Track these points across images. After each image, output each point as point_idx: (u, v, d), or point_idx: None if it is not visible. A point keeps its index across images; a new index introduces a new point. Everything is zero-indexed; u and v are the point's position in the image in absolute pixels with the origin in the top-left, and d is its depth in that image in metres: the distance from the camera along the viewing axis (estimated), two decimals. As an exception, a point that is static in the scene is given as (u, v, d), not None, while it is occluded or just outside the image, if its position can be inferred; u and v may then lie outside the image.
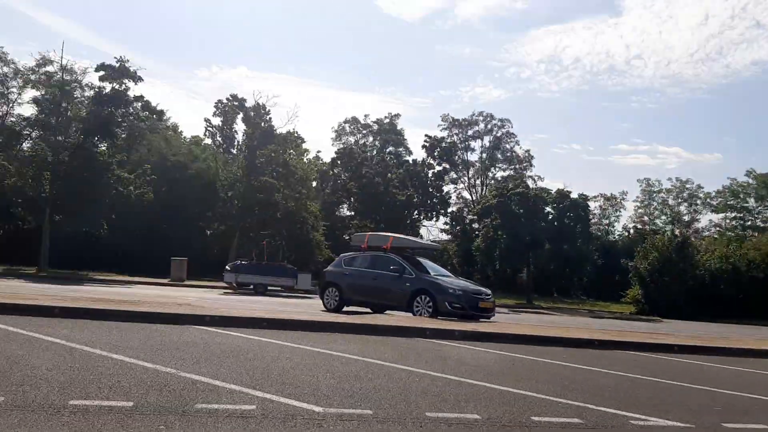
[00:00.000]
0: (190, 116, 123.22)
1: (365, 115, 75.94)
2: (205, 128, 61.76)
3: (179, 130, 60.73)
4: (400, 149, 73.55)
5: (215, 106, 61.81)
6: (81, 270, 36.26)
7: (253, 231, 45.12)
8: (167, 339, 9.78)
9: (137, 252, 41.54)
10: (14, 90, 50.09)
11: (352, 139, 75.22)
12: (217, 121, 60.28)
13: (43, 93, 43.50)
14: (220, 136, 62.88)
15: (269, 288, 31.58)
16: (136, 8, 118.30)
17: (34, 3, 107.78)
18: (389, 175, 59.40)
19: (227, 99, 56.53)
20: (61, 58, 39.35)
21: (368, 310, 18.93)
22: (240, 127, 53.00)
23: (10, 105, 50.33)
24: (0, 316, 10.41)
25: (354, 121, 76.00)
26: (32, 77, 49.02)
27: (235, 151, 58.19)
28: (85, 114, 39.00)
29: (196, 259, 38.27)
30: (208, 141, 60.22)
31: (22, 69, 49.79)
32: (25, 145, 44.91)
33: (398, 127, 74.42)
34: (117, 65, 36.28)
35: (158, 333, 10.35)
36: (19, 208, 37.90)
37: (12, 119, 49.60)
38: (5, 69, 49.53)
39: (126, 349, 8.46)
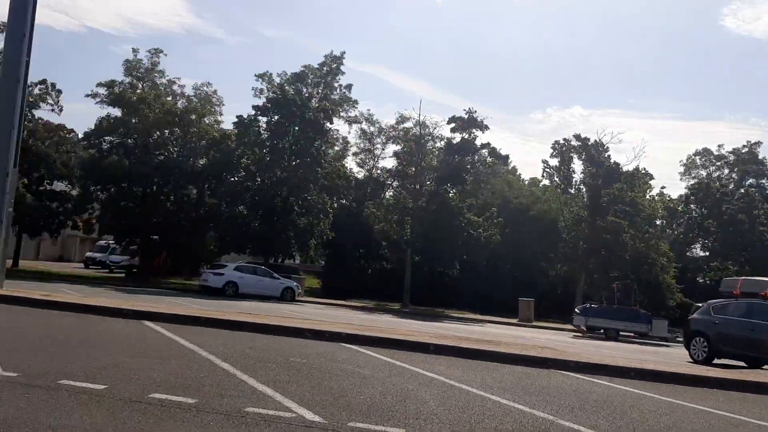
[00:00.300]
0: (524, 158, 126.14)
1: (719, 146, 68.94)
2: (543, 169, 63.10)
3: (517, 173, 62.43)
4: (763, 181, 64.95)
5: (552, 147, 62.97)
6: (436, 307, 39.08)
7: (598, 272, 43.72)
8: (536, 383, 9.82)
9: (483, 291, 43.31)
10: (379, 146, 57.25)
11: (703, 173, 68.77)
12: (554, 161, 60.99)
13: (401, 147, 48.80)
14: (557, 177, 63.36)
15: (621, 333, 30.04)
16: (478, 65, 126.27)
17: (391, 69, 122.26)
18: (755, 211, 52.54)
19: (564, 139, 56.62)
20: (419, 115, 43.80)
21: (743, 363, 16.74)
22: (578, 166, 52.54)
23: (376, 159, 57.50)
24: (386, 350, 11.60)
25: (705, 152, 69.45)
26: (392, 134, 55.52)
27: (573, 191, 57.64)
28: (436, 163, 42.47)
29: (539, 299, 38.45)
30: (546, 182, 60.88)
31: (384, 127, 56.80)
32: (388, 194, 50.61)
33: (759, 156, 65.93)
34: (466, 117, 38.89)
35: (526, 375, 10.46)
36: (385, 250, 42.68)
37: (377, 171, 56.58)
38: (372, 128, 56.89)
39: (500, 390, 8.70)
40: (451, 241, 37.17)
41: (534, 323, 34.91)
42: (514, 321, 35.07)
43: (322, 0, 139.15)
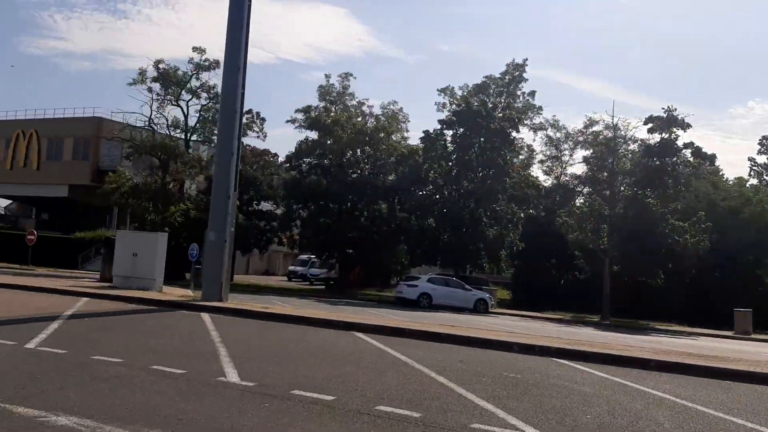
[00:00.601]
0: (726, 157, 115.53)
1: None
2: (750, 168, 57.99)
3: (720, 173, 57.30)
4: None
5: (759, 143, 57.84)
6: (638, 318, 36.67)
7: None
8: (782, 406, 8.74)
9: (691, 301, 40.09)
10: (566, 152, 55.45)
11: None
12: (762, 158, 56.07)
13: (591, 152, 46.77)
14: (767, 175, 57.77)
15: None
16: (666, 60, 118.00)
17: (570, 71, 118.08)
18: None
19: (772, 134, 51.39)
20: (612, 116, 41.81)
21: None
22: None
23: (563, 166, 55.69)
24: (600, 366, 10.98)
25: None
26: (581, 139, 53.50)
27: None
28: (630, 167, 40.14)
29: (756, 310, 34.59)
30: (754, 181, 55.35)
31: (571, 132, 54.89)
32: (578, 201, 48.65)
33: None
34: (665, 115, 36.23)
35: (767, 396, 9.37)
36: (580, 260, 40.94)
37: (566, 178, 54.72)
38: (558, 134, 55.26)
39: (744, 413, 7.85)
40: (653, 249, 34.70)
41: (752, 336, 31.51)
42: (729, 333, 31.87)
43: (493, 11, 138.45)
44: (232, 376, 7.69)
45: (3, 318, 11.98)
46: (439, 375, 8.78)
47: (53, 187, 52.55)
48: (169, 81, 42.29)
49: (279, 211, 43.83)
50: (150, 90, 42.41)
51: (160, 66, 42.04)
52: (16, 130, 54.45)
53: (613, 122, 40.54)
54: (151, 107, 42.76)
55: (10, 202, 64.18)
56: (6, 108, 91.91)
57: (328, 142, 42.01)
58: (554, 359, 11.33)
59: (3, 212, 65.44)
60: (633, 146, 45.21)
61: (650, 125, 36.88)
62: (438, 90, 51.99)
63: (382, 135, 42.93)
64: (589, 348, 12.12)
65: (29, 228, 46.75)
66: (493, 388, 8.21)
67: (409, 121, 52.65)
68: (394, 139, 45.11)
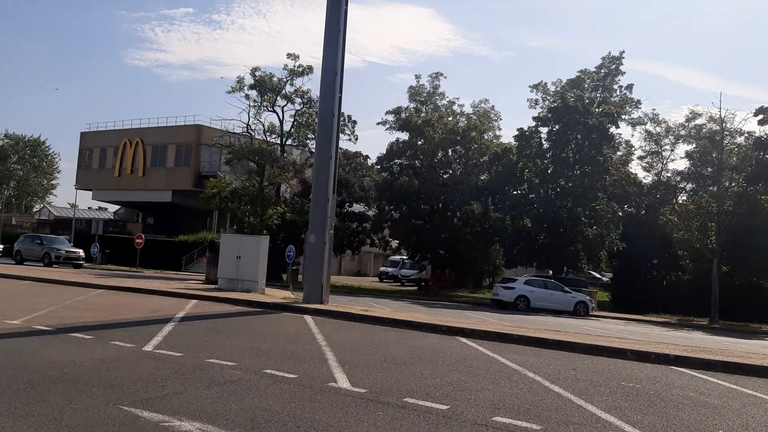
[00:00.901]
0: None
1: None
2: None
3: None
4: None
5: None
6: (750, 321, 34.54)
7: None
8: None
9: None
10: (667, 147, 52.98)
11: None
12: None
13: (694, 146, 44.54)
14: None
15: None
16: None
17: (663, 62, 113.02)
18: None
19: None
20: (719, 109, 39.69)
21: None
22: None
23: (664, 162, 53.22)
24: (723, 374, 10.31)
25: None
26: (682, 133, 51.00)
27: None
28: (736, 161, 37.96)
29: None
30: None
31: (672, 126, 52.41)
32: (680, 198, 46.39)
33: None
34: (776, 106, 33.99)
35: None
36: (686, 260, 38.94)
37: (667, 175, 52.30)
38: (658, 129, 52.86)
39: None
40: (766, 248, 32.57)
41: None
42: None
43: (579, 4, 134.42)
44: (343, 381, 7.67)
45: (120, 320, 12.54)
46: (553, 384, 8.46)
47: (158, 192, 55.10)
48: (265, 88, 43.17)
49: (371, 213, 44.06)
50: (247, 97, 43.41)
51: (257, 73, 42.98)
52: (123, 139, 57.51)
53: (720, 115, 38.38)
54: (248, 114, 43.74)
55: (119, 207, 67.93)
56: (114, 118, 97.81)
57: (419, 142, 41.85)
58: (672, 367, 10.72)
59: (113, 217, 69.38)
60: (740, 139, 42.75)
61: (761, 117, 34.69)
62: (530, 86, 50.99)
63: (473, 134, 42.34)
64: (711, 355, 11.37)
65: (136, 232, 49.23)
66: (612, 398, 7.81)
67: (501, 119, 51.91)
68: (486, 137, 44.45)
